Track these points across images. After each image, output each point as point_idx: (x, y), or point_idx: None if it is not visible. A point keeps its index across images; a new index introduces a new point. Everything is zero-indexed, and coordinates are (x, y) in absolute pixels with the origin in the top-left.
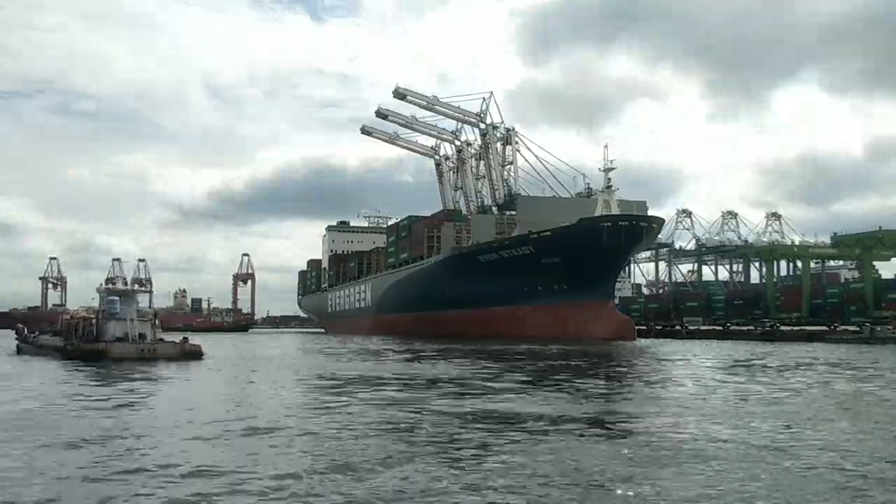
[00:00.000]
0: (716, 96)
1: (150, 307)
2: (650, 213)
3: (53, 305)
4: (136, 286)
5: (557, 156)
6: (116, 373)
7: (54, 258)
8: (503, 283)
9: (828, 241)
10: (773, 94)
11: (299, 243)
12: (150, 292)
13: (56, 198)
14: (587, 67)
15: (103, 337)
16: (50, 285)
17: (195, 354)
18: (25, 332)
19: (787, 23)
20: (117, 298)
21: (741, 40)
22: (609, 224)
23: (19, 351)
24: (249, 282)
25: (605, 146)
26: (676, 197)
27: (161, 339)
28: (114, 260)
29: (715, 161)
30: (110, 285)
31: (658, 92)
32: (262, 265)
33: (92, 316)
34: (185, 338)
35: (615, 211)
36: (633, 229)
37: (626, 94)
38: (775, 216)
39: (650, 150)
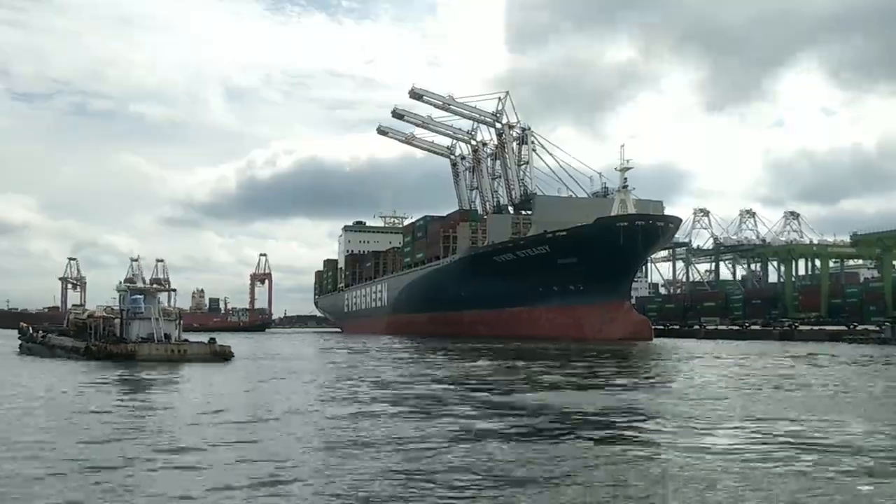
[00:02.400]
0: (715, 88)
1: (174, 306)
2: (666, 212)
3: (73, 305)
4: (155, 286)
5: (573, 154)
6: (161, 378)
7: (73, 258)
8: (519, 284)
9: (846, 240)
10: (776, 85)
11: (307, 243)
12: (174, 291)
13: (65, 198)
14: (583, 56)
15: (128, 337)
16: (69, 285)
17: (225, 355)
18: (31, 331)
19: (788, 8)
20: (141, 297)
21: (741, 27)
22: (625, 224)
23: (23, 350)
24: (266, 282)
25: (622, 146)
26: (681, 194)
27: (186, 340)
28: (132, 260)
29: (718, 156)
30: (128, 284)
31: (656, 83)
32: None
33: (112, 315)
34: (212, 338)
35: (631, 210)
36: (650, 229)
37: (624, 85)
38: (793, 215)
39: (650, 146)
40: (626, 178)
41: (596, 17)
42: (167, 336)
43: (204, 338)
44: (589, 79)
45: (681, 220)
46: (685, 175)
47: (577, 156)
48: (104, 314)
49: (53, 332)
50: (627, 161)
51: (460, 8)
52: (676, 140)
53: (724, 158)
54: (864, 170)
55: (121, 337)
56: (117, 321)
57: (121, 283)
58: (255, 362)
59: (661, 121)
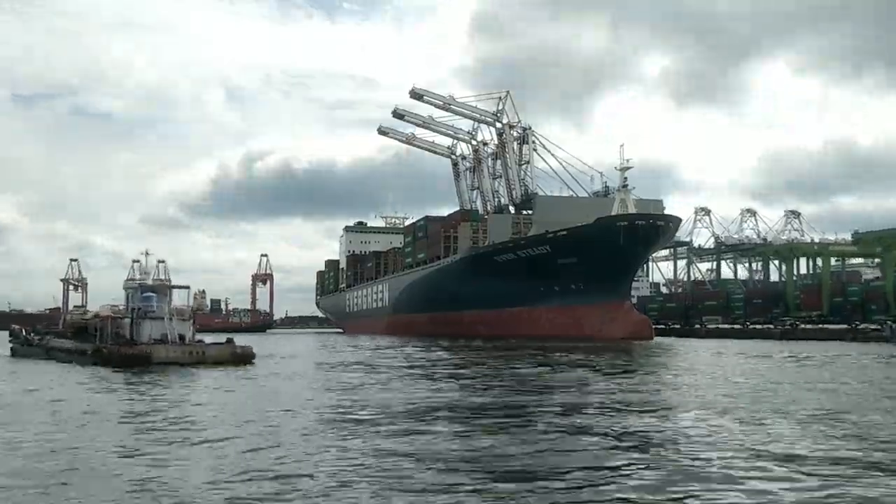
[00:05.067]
0: (690, 80)
1: (188, 305)
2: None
3: (75, 307)
4: (168, 282)
5: (574, 154)
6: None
7: (75, 259)
8: (519, 284)
9: (847, 238)
10: (752, 77)
11: (306, 244)
12: (188, 288)
13: (60, 199)
14: (556, 47)
15: (139, 338)
16: (71, 287)
17: (246, 357)
18: (23, 333)
19: None
20: (153, 295)
21: (716, 17)
22: (625, 223)
23: (15, 354)
24: (268, 282)
25: (622, 145)
26: (666, 190)
27: (201, 340)
28: (134, 261)
29: (700, 150)
30: (133, 282)
31: (632, 76)
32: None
33: (120, 315)
34: (230, 338)
35: (631, 210)
36: (650, 229)
37: (598, 79)
38: (794, 214)
39: (630, 142)
40: (626, 178)
41: (568, 4)
42: (181, 337)
43: (207, 339)
44: (563, 71)
45: (680, 220)
46: (670, 169)
47: (560, 149)
48: (111, 314)
49: (50, 334)
50: (627, 160)
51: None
52: (658, 134)
53: (706, 152)
54: (852, 167)
55: (131, 338)
56: (125, 321)
57: (128, 280)
58: (278, 364)
59: (640, 114)
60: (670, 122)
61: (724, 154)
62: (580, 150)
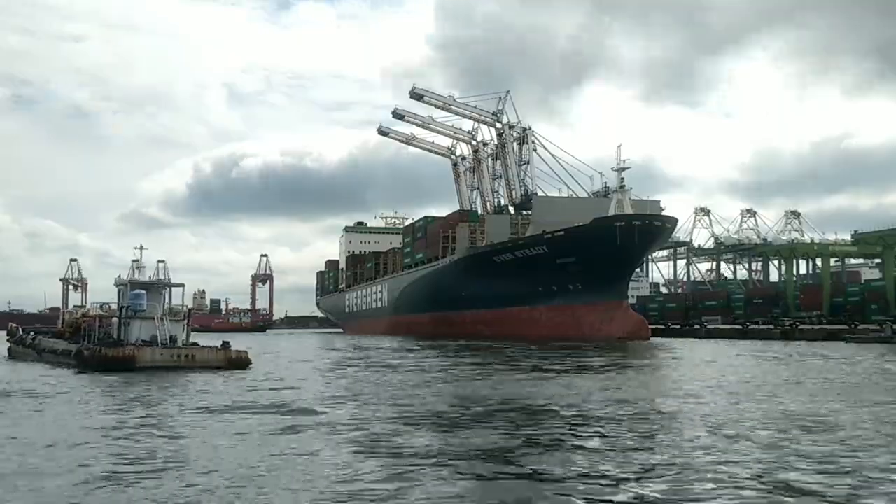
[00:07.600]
0: (667, 74)
1: (183, 304)
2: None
3: (74, 306)
4: (161, 279)
5: (574, 154)
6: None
7: (75, 260)
8: (518, 284)
9: (848, 238)
10: (745, 73)
11: (304, 244)
12: (182, 286)
13: (59, 200)
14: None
15: (128, 340)
16: (71, 286)
17: (241, 363)
18: (20, 332)
19: None
20: (144, 293)
21: (705, 8)
22: (622, 224)
23: (11, 355)
24: (268, 282)
25: (619, 146)
26: (654, 188)
27: (195, 343)
28: (133, 261)
29: (683, 147)
30: (124, 279)
31: (607, 65)
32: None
33: (108, 314)
34: (226, 342)
35: (629, 210)
36: (647, 229)
37: (575, 68)
38: (794, 214)
39: (617, 138)
40: (623, 178)
41: None
42: (172, 339)
43: (206, 340)
44: (539, 60)
45: (677, 220)
46: (660, 167)
47: (560, 149)
48: (100, 313)
49: (46, 334)
50: (624, 161)
51: None
52: (649, 131)
53: (697, 150)
54: (845, 165)
55: (118, 339)
56: (115, 321)
57: (119, 276)
58: (283, 370)
59: (627, 110)
60: (664, 119)
61: (715, 152)
62: (567, 147)
